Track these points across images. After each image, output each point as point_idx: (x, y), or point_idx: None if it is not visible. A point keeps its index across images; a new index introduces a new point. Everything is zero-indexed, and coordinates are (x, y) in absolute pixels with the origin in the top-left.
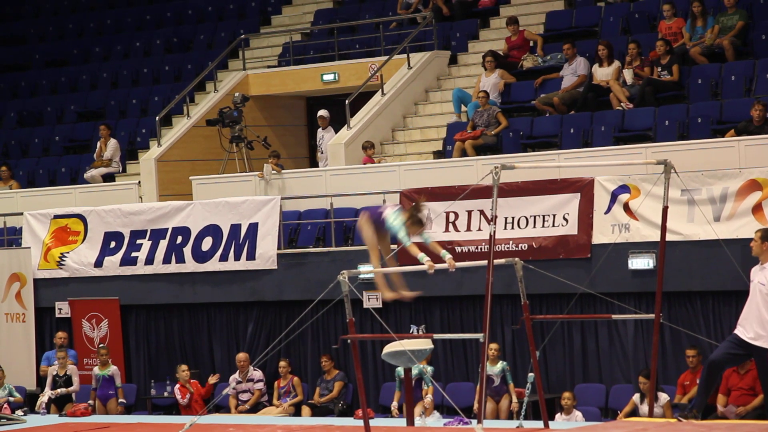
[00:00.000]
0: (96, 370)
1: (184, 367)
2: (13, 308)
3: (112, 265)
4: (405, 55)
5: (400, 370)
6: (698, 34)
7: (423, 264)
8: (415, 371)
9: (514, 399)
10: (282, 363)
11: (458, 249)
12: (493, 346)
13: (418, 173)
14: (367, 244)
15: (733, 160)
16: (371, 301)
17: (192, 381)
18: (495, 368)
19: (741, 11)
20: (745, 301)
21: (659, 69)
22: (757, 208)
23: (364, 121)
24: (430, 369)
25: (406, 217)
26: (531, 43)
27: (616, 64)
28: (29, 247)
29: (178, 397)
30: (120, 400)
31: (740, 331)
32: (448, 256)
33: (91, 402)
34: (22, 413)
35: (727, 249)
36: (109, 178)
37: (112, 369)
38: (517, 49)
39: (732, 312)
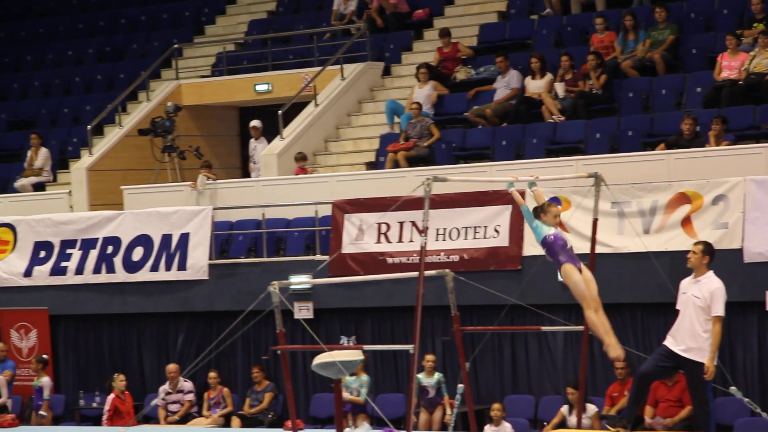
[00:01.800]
0: (35, 380)
1: (122, 376)
2: None
3: (42, 275)
4: (338, 66)
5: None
6: (630, 47)
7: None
8: (354, 383)
9: (448, 411)
10: (212, 374)
11: (390, 260)
12: (430, 357)
13: (351, 184)
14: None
15: (662, 173)
16: (302, 312)
17: (126, 392)
18: (431, 379)
19: (672, 25)
20: (675, 313)
21: (590, 82)
22: (686, 221)
23: (297, 131)
24: (367, 379)
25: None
26: (463, 56)
27: (549, 76)
28: None
29: (107, 407)
30: (40, 413)
31: (670, 343)
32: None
33: (42, 412)
34: None
35: (656, 261)
36: (39, 187)
37: (43, 381)
38: (449, 61)
39: (661, 324)
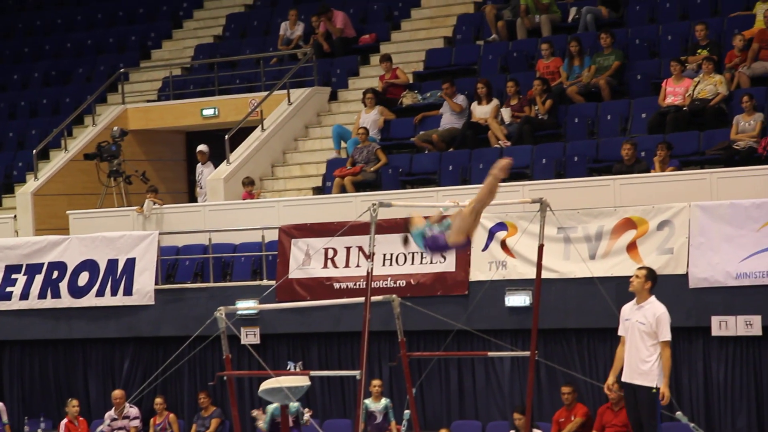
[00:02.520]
0: None
1: (75, 402)
2: None
3: None
4: (285, 91)
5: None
6: (575, 73)
7: (448, 205)
8: (293, 409)
9: None
10: (158, 400)
11: (336, 285)
12: (376, 382)
13: (298, 209)
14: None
15: (608, 199)
16: (248, 338)
17: (80, 418)
18: (378, 405)
19: (617, 51)
20: (618, 339)
21: (536, 108)
22: (631, 246)
23: (243, 156)
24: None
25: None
26: (401, 82)
27: (495, 102)
28: None
29: None
30: None
31: (624, 375)
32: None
33: None
34: None
35: (601, 287)
36: None
37: None
38: (395, 87)
39: (607, 349)
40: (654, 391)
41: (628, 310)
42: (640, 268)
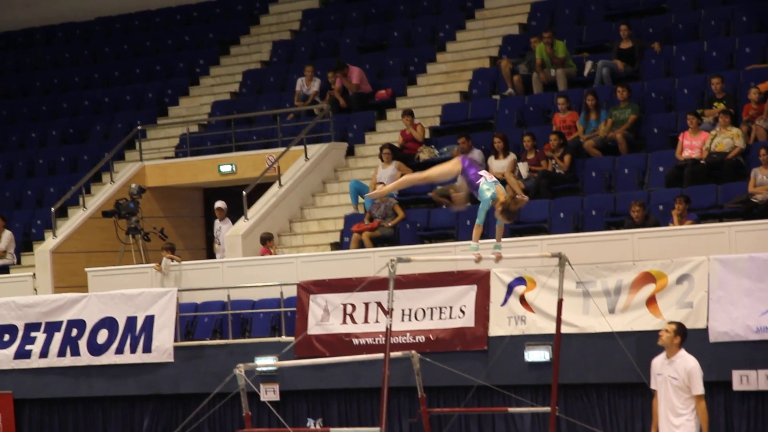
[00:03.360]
0: None
1: None
2: None
3: (6, 359)
4: (302, 147)
5: None
6: (592, 127)
7: (471, 251)
8: None
9: None
10: None
11: (355, 341)
12: None
13: (316, 265)
14: (440, 171)
15: (626, 253)
16: (268, 394)
17: None
18: None
19: (633, 105)
20: (643, 393)
21: (553, 162)
22: (650, 301)
23: (261, 212)
24: None
25: (500, 200)
26: (426, 135)
27: (512, 156)
28: None
29: None
30: None
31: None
32: (499, 249)
33: None
34: None
35: (621, 341)
36: (3, 270)
37: None
38: (413, 141)
39: (627, 404)
40: None
41: (659, 364)
42: (670, 323)
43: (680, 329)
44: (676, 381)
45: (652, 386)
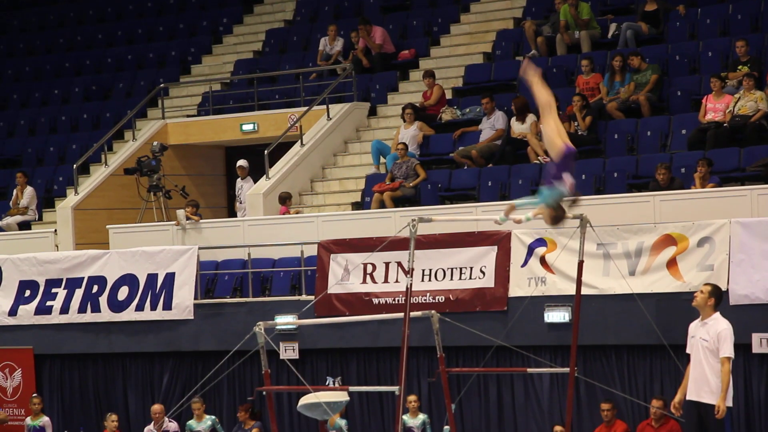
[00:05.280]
0: (28, 420)
1: (114, 417)
2: None
3: (27, 314)
4: (324, 106)
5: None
6: (616, 88)
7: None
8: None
9: None
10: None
11: (375, 300)
12: (412, 398)
13: (337, 224)
14: (553, 130)
15: (648, 215)
16: (287, 353)
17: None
18: (415, 420)
19: (654, 66)
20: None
21: (576, 124)
22: (671, 263)
23: (283, 171)
24: (344, 422)
25: (554, 206)
26: (448, 96)
27: (532, 118)
28: None
29: None
30: None
31: (689, 393)
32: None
33: None
34: None
35: (641, 303)
36: (25, 226)
37: (44, 420)
38: (434, 104)
39: (647, 366)
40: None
41: (693, 327)
42: (705, 284)
43: (715, 291)
44: (706, 343)
45: (688, 350)
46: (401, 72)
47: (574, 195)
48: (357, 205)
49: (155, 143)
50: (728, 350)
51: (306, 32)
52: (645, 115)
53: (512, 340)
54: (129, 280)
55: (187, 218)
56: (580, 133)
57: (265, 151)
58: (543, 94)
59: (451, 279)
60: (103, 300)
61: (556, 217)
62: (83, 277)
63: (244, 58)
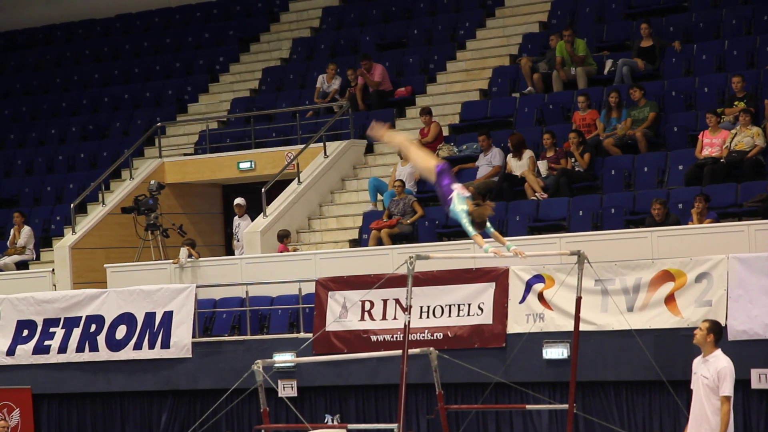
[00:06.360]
0: None
1: None
2: None
3: (25, 354)
4: (321, 144)
5: None
6: (612, 124)
7: (488, 253)
8: None
9: None
10: None
11: (373, 338)
12: None
13: (334, 262)
14: (422, 158)
15: (646, 251)
16: (286, 390)
17: None
18: None
19: (652, 103)
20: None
21: (573, 160)
22: (669, 299)
23: (280, 209)
24: None
25: (470, 210)
26: (445, 132)
27: (529, 153)
28: None
29: None
30: None
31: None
32: (513, 246)
33: None
34: None
35: (639, 339)
36: (22, 265)
37: None
38: (431, 141)
39: (645, 402)
40: None
41: (696, 363)
42: (704, 321)
43: (714, 327)
44: (707, 380)
45: (692, 386)
46: (398, 109)
47: (470, 192)
48: (354, 243)
49: (152, 182)
50: (727, 389)
51: (302, 70)
52: (642, 151)
53: (511, 376)
54: (127, 318)
55: (189, 255)
56: (577, 169)
57: (263, 189)
58: (395, 139)
59: (449, 316)
60: (101, 339)
61: (481, 213)
62: (81, 317)
63: (241, 96)
